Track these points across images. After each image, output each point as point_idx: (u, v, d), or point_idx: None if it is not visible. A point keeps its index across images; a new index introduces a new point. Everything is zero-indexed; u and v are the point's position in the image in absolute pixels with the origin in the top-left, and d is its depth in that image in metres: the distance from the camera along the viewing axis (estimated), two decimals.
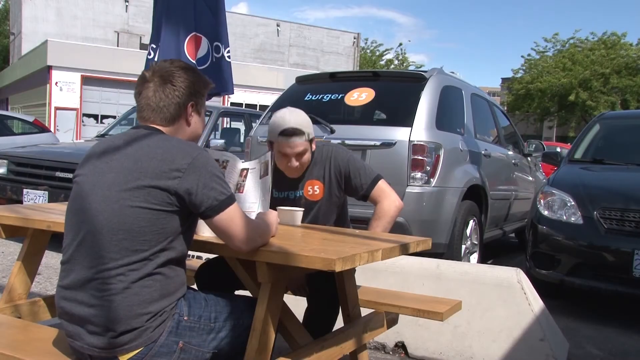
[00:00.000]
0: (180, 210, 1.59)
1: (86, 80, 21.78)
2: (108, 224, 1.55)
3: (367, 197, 2.51)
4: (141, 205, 1.54)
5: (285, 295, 1.91)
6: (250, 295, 2.04)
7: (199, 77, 1.77)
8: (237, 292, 2.33)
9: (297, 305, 2.97)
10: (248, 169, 2.15)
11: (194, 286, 2.46)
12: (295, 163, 2.41)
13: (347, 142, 4.27)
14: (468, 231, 4.73)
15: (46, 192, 5.35)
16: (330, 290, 2.30)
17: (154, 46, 3.19)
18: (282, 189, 2.54)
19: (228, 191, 1.64)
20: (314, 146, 2.49)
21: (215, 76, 3.12)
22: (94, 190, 1.61)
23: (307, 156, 2.44)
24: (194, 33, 3.10)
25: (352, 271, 2.29)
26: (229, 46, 3.22)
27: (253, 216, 1.93)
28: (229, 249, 1.73)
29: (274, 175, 2.48)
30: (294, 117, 2.41)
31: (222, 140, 7.10)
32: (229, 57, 3.21)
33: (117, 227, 1.55)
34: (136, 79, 1.80)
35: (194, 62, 3.07)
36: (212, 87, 1.85)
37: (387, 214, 2.46)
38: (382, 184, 2.50)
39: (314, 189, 2.51)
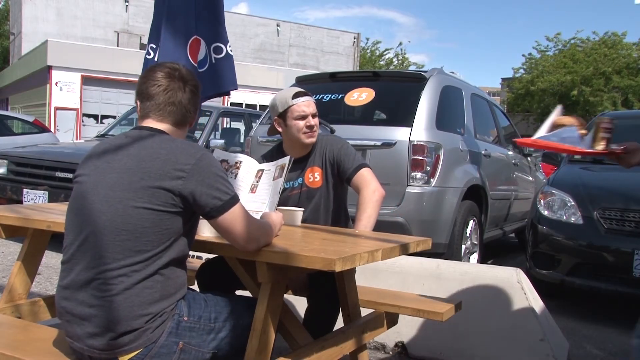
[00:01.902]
0: (184, 211, 1.59)
1: (86, 80, 21.78)
2: (111, 224, 1.55)
3: (350, 182, 2.54)
4: (145, 206, 1.54)
5: (285, 295, 1.91)
6: (250, 295, 2.04)
7: (196, 78, 1.82)
8: (237, 292, 2.33)
9: (297, 305, 2.98)
10: (264, 170, 2.22)
11: (195, 286, 2.47)
12: (313, 121, 2.52)
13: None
14: (468, 231, 4.73)
15: (46, 192, 5.35)
16: (331, 290, 2.30)
17: (154, 46, 3.18)
18: (288, 179, 2.59)
19: (232, 191, 1.64)
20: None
21: (214, 78, 3.12)
22: (96, 191, 1.60)
23: (317, 120, 2.57)
24: (195, 36, 3.09)
25: (352, 271, 2.29)
26: (229, 41, 3.21)
27: (259, 216, 1.94)
28: (229, 249, 1.73)
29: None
30: (295, 87, 2.63)
31: (222, 140, 7.10)
32: (231, 50, 3.20)
33: (120, 227, 1.54)
34: (136, 79, 1.80)
35: (195, 65, 3.07)
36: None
37: (367, 203, 2.45)
38: (364, 172, 2.52)
39: (314, 176, 2.57)
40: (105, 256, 1.55)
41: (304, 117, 2.51)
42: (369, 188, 2.47)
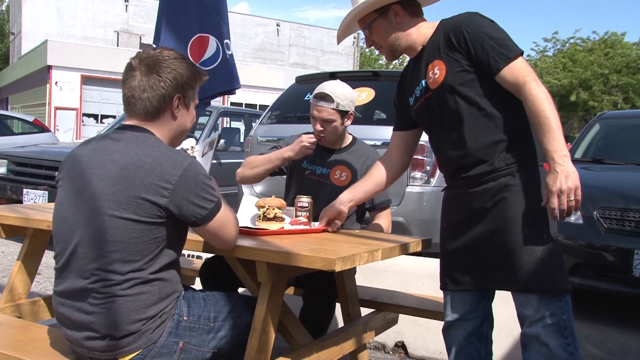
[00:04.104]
0: (171, 220, 1.56)
1: (86, 80, 21.79)
2: (98, 236, 1.51)
3: (371, 211, 2.60)
4: (131, 218, 1.50)
5: (285, 295, 1.91)
6: (250, 294, 2.04)
7: (188, 68, 1.67)
8: (240, 290, 2.33)
9: (296, 305, 2.98)
10: (194, 149, 2.31)
11: (197, 284, 2.47)
12: (318, 127, 2.48)
13: None
14: None
15: (46, 192, 5.35)
16: (328, 290, 2.31)
17: (154, 46, 3.18)
18: (313, 162, 2.60)
19: (215, 197, 1.60)
20: (347, 121, 2.53)
21: (225, 74, 3.09)
22: (81, 199, 1.56)
23: (333, 126, 2.49)
24: (198, 34, 3.07)
25: (352, 271, 2.30)
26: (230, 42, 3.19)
27: None
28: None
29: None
30: (332, 85, 2.49)
31: (222, 140, 7.10)
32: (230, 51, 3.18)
33: (108, 239, 1.51)
34: None
35: (198, 64, 3.05)
36: (205, 80, 1.74)
37: (381, 228, 2.54)
38: (389, 212, 2.61)
39: (341, 174, 2.56)
40: (96, 267, 1.52)
41: (314, 118, 2.50)
42: (386, 222, 2.57)
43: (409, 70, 2.06)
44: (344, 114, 2.49)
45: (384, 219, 2.58)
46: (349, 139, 2.64)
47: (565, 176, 1.64)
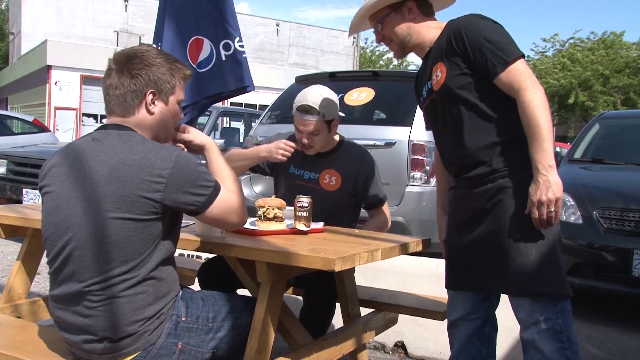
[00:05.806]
0: (165, 215, 1.55)
1: (86, 80, 21.78)
2: (93, 238, 1.50)
3: (367, 208, 2.61)
4: (125, 217, 1.49)
5: (285, 295, 1.92)
6: (249, 294, 2.04)
7: (164, 62, 1.64)
8: (239, 291, 2.33)
9: (297, 305, 2.98)
10: None
11: (195, 285, 2.47)
12: (304, 140, 2.42)
13: None
14: None
15: None
16: (327, 291, 2.31)
17: (154, 46, 3.17)
18: (301, 167, 2.54)
19: (211, 182, 1.60)
20: (334, 128, 2.48)
21: (222, 75, 3.08)
22: (71, 203, 1.54)
23: (321, 136, 2.43)
24: (195, 36, 3.07)
25: (352, 271, 2.29)
26: (237, 37, 3.14)
27: None
28: (229, 249, 1.73)
29: (296, 151, 2.47)
30: (315, 94, 2.41)
31: (222, 140, 7.10)
32: (241, 46, 3.11)
33: (103, 240, 1.50)
34: None
35: (194, 66, 3.05)
36: (188, 74, 1.70)
37: (378, 225, 2.57)
38: (386, 206, 2.61)
39: (330, 179, 2.51)
40: (93, 270, 1.51)
41: (299, 131, 2.44)
42: (385, 217, 2.60)
43: (420, 71, 2.07)
44: (330, 122, 2.44)
45: (384, 212, 2.60)
46: (336, 140, 2.57)
47: (546, 187, 1.65)
